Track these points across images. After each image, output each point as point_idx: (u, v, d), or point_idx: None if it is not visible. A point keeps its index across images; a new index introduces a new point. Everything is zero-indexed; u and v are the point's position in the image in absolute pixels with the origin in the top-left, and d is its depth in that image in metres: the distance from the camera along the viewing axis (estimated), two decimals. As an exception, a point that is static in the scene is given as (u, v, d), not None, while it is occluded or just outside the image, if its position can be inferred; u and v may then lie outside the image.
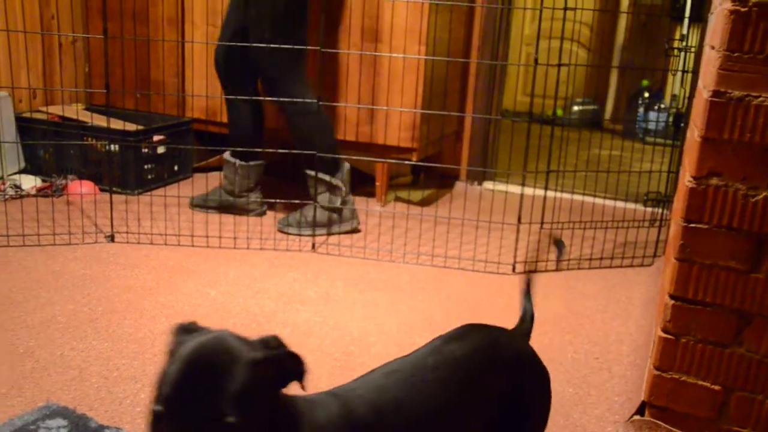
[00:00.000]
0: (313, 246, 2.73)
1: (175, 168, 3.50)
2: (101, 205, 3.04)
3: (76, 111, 3.53)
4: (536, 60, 2.56)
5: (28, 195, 3.09)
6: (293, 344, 1.92)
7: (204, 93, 3.49)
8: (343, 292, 2.35)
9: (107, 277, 2.33)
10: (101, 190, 3.23)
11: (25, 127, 3.33)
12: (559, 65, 2.61)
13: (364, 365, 1.87)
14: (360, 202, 3.30)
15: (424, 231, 2.96)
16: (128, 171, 3.24)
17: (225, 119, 3.47)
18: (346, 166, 2.88)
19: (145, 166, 3.30)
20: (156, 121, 3.45)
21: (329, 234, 2.87)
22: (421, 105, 3.16)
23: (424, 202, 3.45)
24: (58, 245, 2.57)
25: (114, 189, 3.23)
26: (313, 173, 2.80)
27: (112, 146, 3.22)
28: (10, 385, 1.68)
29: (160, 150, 3.35)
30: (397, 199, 3.47)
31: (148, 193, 3.26)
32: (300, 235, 2.84)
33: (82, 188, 3.17)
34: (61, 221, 2.81)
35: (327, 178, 2.81)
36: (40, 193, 3.13)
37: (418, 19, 3.07)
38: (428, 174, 3.86)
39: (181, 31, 3.52)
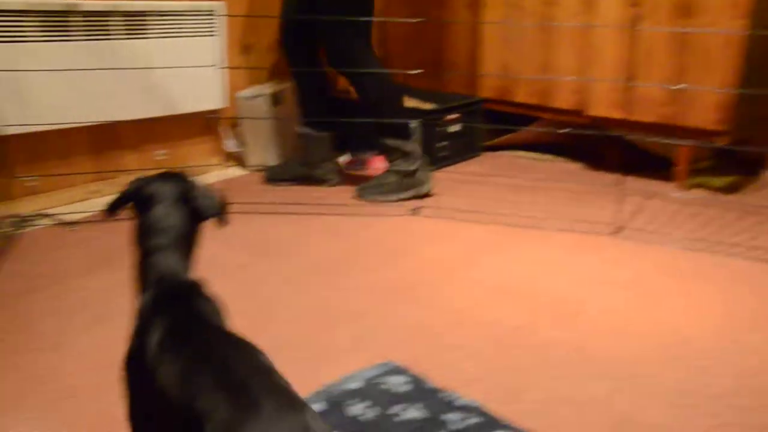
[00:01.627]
0: (616, 230, 2.65)
1: (466, 147, 3.60)
2: (400, 180, 3.22)
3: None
4: None
5: (339, 168, 3.37)
6: (607, 329, 1.88)
7: (498, 73, 3.54)
8: (654, 279, 2.25)
9: (418, 248, 2.46)
10: (399, 165, 3.42)
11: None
12: None
13: (681, 357, 1.78)
14: (655, 186, 3.14)
15: (732, 221, 2.74)
16: (423, 148, 3.39)
17: (517, 99, 3.50)
18: (416, 130, 2.91)
19: (438, 144, 3.43)
20: (449, 100, 3.57)
21: (406, 199, 2.93)
22: (736, 84, 2.91)
23: (727, 190, 3.20)
24: (368, 216, 2.77)
25: (410, 165, 3.41)
26: (387, 141, 2.87)
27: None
28: (352, 340, 1.85)
29: (454, 128, 3.46)
30: (697, 185, 3.25)
31: (441, 170, 3.40)
32: (386, 201, 2.90)
33: (382, 163, 3.37)
34: (368, 193, 3.02)
35: (401, 144, 2.84)
36: (347, 166, 3.39)
37: (739, -10, 2.82)
38: (732, 160, 3.57)
39: (476, 13, 3.59)
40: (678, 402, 1.61)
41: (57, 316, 1.92)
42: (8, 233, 2.46)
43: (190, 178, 1.18)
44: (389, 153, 2.93)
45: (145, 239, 1.13)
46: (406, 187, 2.95)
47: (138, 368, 0.99)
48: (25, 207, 2.67)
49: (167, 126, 3.04)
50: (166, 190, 1.15)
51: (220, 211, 1.19)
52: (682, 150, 3.07)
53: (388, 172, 2.95)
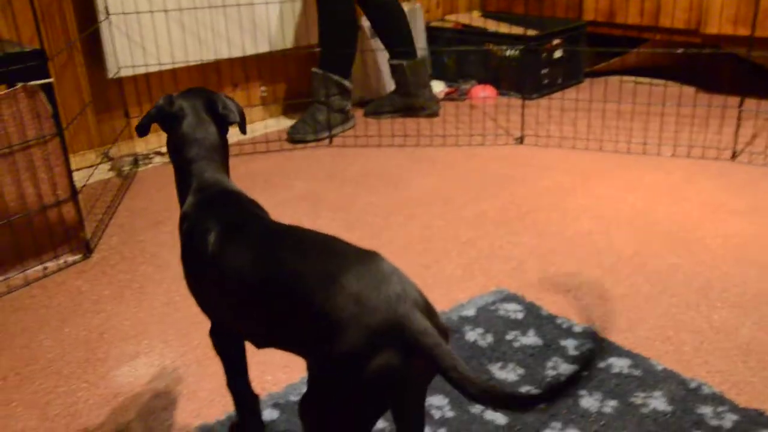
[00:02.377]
0: (734, 155, 2.52)
1: (570, 73, 3.48)
2: (501, 109, 3.16)
3: (471, 18, 3.68)
4: None
5: (438, 99, 3.33)
6: (727, 255, 1.81)
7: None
8: (776, 205, 2.14)
9: (525, 177, 2.43)
10: (500, 94, 3.36)
11: (432, 36, 3.56)
12: None
13: (817, 285, 1.70)
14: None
15: None
16: (526, 75, 3.30)
17: (624, 20, 3.34)
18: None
19: (542, 71, 3.33)
20: (549, 25, 3.44)
21: (335, 135, 2.87)
22: None
23: None
24: (473, 146, 2.75)
25: (511, 93, 3.34)
26: (332, 75, 2.83)
27: (510, 51, 3.30)
28: (464, 268, 1.86)
29: (557, 54, 3.35)
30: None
31: (545, 97, 3.30)
32: (318, 138, 2.85)
33: (484, 92, 3.32)
34: (469, 123, 2.99)
35: (342, 80, 2.85)
36: (447, 96, 3.35)
37: None
38: None
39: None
40: (808, 330, 1.54)
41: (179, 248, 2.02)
42: (128, 171, 2.59)
43: (210, 91, 1.24)
44: (330, 87, 2.86)
45: (180, 152, 1.19)
46: (341, 121, 2.93)
47: (198, 264, 1.08)
48: (141, 146, 2.79)
49: (269, 63, 3.08)
50: (191, 104, 1.20)
51: (241, 119, 1.24)
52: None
53: (318, 107, 2.89)
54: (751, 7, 2.89)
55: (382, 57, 3.19)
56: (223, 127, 1.22)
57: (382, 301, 0.84)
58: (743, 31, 2.98)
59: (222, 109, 1.20)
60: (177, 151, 1.20)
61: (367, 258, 0.90)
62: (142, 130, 1.21)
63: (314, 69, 2.86)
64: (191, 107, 1.20)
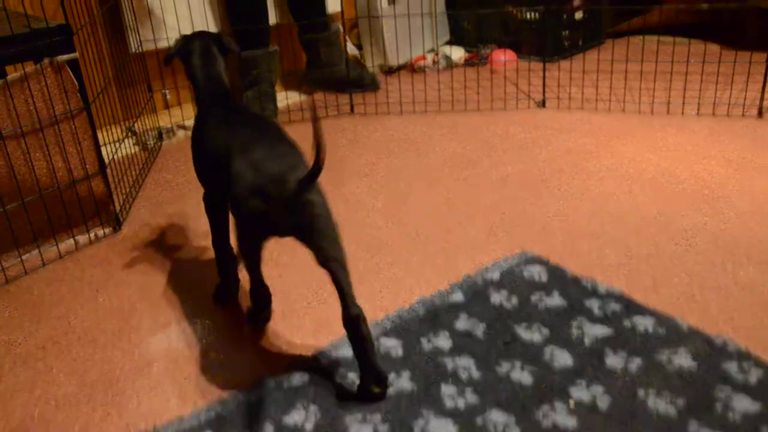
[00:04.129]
0: (760, 112, 2.49)
1: (592, 34, 3.44)
2: (522, 73, 3.14)
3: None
4: None
5: (457, 65, 3.32)
6: (753, 212, 1.80)
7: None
8: (803, 161, 2.12)
9: (547, 140, 2.42)
10: (520, 57, 3.33)
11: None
12: None
13: None
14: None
15: None
16: (547, 38, 3.27)
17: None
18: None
19: (563, 33, 3.29)
20: (571, -15, 3.39)
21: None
22: None
23: None
24: (495, 110, 2.74)
25: (532, 57, 3.31)
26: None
27: (530, 14, 3.27)
28: (488, 232, 1.87)
29: (578, 15, 3.31)
30: None
31: (566, 59, 3.27)
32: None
33: (504, 56, 3.29)
34: (490, 88, 2.97)
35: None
36: (467, 62, 3.33)
37: None
38: None
39: None
40: (835, 285, 1.54)
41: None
42: (153, 145, 2.62)
43: (215, 33, 1.70)
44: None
45: (194, 75, 1.62)
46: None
47: (196, 146, 1.56)
48: (164, 120, 2.82)
49: (287, 30, 3.08)
50: (202, 41, 1.64)
51: (236, 49, 1.70)
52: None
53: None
54: (778, -41, 2.82)
55: (401, 23, 3.17)
56: (223, 54, 1.66)
57: (265, 169, 1.24)
58: (769, -15, 2.91)
59: (226, 43, 1.66)
60: (193, 76, 1.62)
61: (276, 142, 1.34)
62: (167, 62, 1.67)
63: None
64: (201, 43, 1.63)
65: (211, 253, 1.86)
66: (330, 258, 1.25)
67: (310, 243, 1.25)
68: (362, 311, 1.26)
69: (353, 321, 1.26)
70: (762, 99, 2.53)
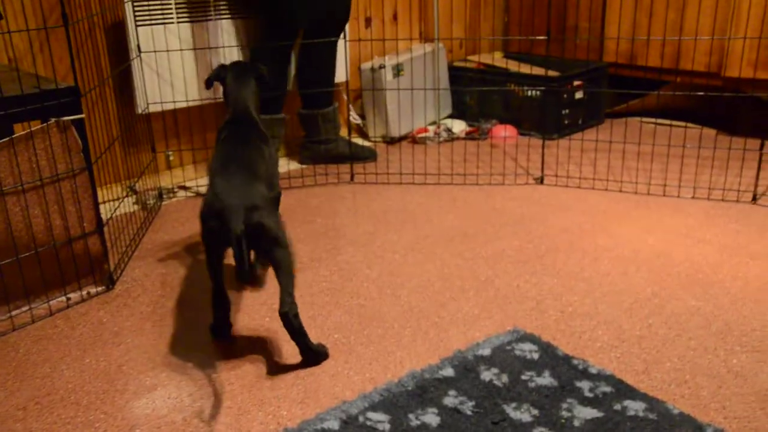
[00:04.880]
0: (755, 198, 2.52)
1: (591, 113, 3.50)
2: (522, 149, 3.19)
3: (493, 58, 3.73)
4: None
5: (458, 138, 3.37)
6: (747, 299, 1.80)
7: (626, 36, 3.41)
8: (798, 249, 2.13)
9: (544, 217, 2.44)
10: (520, 134, 3.38)
11: (454, 75, 3.61)
12: None
13: (838, 331, 1.69)
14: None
15: None
16: (547, 116, 3.33)
17: (645, 62, 3.37)
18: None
19: (563, 111, 3.36)
20: (571, 66, 3.48)
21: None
22: None
23: None
24: (493, 185, 2.77)
25: (532, 133, 3.36)
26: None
27: (531, 92, 3.34)
28: (481, 307, 1.86)
29: (578, 95, 3.38)
30: None
31: (565, 137, 3.33)
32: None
33: (505, 132, 3.35)
34: (489, 162, 3.01)
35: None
36: (468, 136, 3.39)
37: None
38: None
39: (603, -27, 3.46)
40: (828, 377, 1.53)
41: (200, 283, 2.05)
42: (152, 205, 2.64)
43: (251, 62, 2.09)
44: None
45: (226, 94, 1.98)
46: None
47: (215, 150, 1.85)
48: (166, 180, 2.85)
49: (293, 99, 3.14)
50: (237, 68, 2.02)
51: (266, 76, 2.05)
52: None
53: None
54: (772, 51, 2.91)
55: (404, 96, 3.24)
56: (257, 81, 2.01)
57: (224, 198, 1.55)
58: (764, 75, 2.99)
59: (258, 70, 2.02)
60: (225, 95, 1.99)
61: (238, 176, 1.63)
62: (208, 85, 2.03)
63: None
64: (237, 69, 2.02)
65: (202, 317, 1.85)
66: (277, 266, 1.59)
67: (264, 254, 1.61)
68: (293, 308, 1.56)
69: (285, 316, 1.56)
70: (756, 185, 2.56)
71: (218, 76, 2.01)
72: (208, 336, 1.77)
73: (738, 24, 3.03)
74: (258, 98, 2.02)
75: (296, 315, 1.56)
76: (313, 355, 1.63)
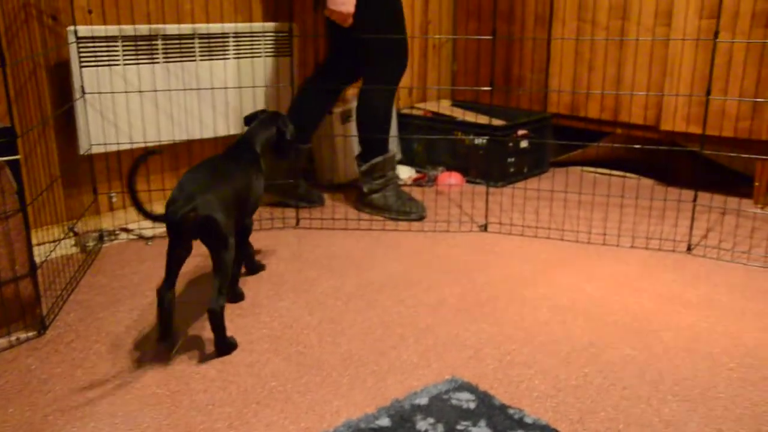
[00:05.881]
0: (689, 248, 2.59)
1: (535, 162, 3.58)
2: (467, 196, 3.23)
3: (440, 106, 3.80)
4: None
5: (405, 184, 3.40)
6: (679, 348, 1.84)
7: (568, 89, 3.52)
8: (729, 298, 2.19)
9: (486, 264, 2.46)
10: (467, 181, 3.43)
11: (403, 122, 3.66)
12: None
13: (757, 380, 1.73)
14: (731, 203, 3.06)
15: (817, 238, 2.64)
16: (493, 164, 3.39)
17: (587, 114, 3.47)
18: None
19: (509, 160, 3.42)
20: (517, 116, 3.56)
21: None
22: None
23: (810, 206, 3.08)
24: (438, 231, 2.79)
25: (478, 181, 3.42)
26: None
27: (478, 140, 3.40)
28: (420, 356, 1.86)
29: (524, 144, 3.45)
30: (777, 201, 3.14)
31: (510, 185, 3.39)
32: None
33: (451, 179, 3.39)
34: (435, 209, 3.04)
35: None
36: (415, 182, 3.42)
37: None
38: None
39: (548, 28, 3.57)
40: (756, 427, 1.56)
41: (137, 328, 2.01)
42: (92, 247, 2.58)
43: (281, 115, 2.23)
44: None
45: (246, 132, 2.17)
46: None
47: None
48: (107, 222, 2.80)
49: (241, 143, 3.14)
50: (268, 117, 2.21)
51: (291, 133, 2.22)
52: (759, 166, 2.98)
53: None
54: (702, 107, 3.03)
55: (353, 142, 3.26)
56: (278, 132, 2.19)
57: (185, 191, 1.75)
58: (696, 129, 3.11)
59: (281, 123, 2.20)
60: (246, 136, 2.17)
61: (205, 174, 1.84)
62: (246, 122, 2.24)
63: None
64: (266, 116, 2.21)
65: (137, 363, 1.81)
66: (217, 265, 1.79)
67: (208, 247, 1.79)
68: (219, 307, 1.78)
69: (212, 312, 1.78)
70: (690, 235, 2.63)
71: (252, 118, 2.23)
72: (139, 384, 1.72)
73: (672, 80, 3.15)
74: (271, 145, 2.19)
75: (219, 313, 1.79)
76: (227, 348, 1.85)
